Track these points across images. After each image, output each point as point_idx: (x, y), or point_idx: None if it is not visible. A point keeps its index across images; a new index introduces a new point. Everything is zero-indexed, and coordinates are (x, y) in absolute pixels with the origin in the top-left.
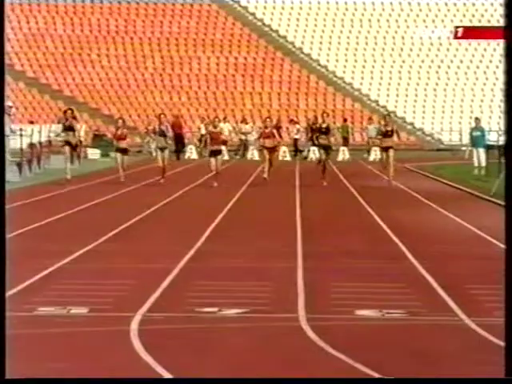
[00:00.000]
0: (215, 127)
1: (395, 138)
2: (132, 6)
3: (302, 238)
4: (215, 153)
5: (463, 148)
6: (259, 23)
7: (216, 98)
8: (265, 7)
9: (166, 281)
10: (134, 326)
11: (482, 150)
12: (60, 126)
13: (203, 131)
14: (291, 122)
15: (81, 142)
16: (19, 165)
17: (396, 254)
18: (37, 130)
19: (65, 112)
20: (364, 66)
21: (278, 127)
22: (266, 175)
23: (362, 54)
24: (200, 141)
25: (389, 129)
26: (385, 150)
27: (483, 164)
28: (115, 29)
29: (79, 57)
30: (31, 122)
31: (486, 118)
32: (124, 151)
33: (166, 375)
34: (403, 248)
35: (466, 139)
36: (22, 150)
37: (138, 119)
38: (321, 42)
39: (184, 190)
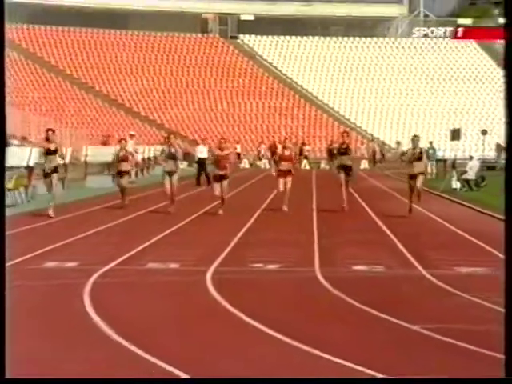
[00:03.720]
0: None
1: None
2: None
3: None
4: None
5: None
6: (288, 80)
7: (261, 129)
8: (293, 67)
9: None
10: (209, 275)
11: (433, 163)
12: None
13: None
14: (303, 144)
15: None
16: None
17: (375, 228)
18: (147, 149)
19: (166, 138)
20: (359, 105)
21: (301, 150)
22: (285, 208)
23: (360, 95)
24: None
25: (417, 151)
26: (412, 178)
27: (434, 171)
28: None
29: (177, 99)
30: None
31: (437, 140)
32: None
33: (229, 308)
34: (379, 222)
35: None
36: (137, 163)
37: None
38: (330, 92)
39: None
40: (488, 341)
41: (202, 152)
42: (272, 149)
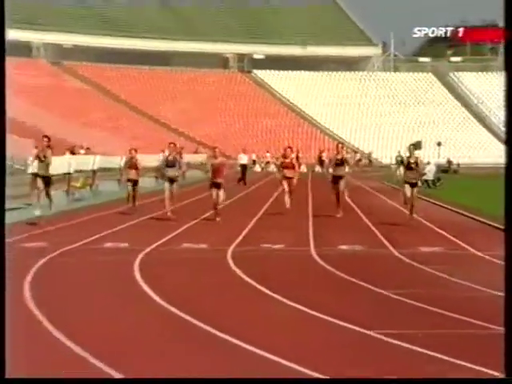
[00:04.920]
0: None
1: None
2: None
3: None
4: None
5: (392, 166)
6: (290, 104)
7: (269, 141)
8: (294, 94)
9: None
10: (229, 254)
11: (401, 168)
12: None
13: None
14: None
15: None
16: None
17: (357, 217)
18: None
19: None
20: (344, 123)
21: (297, 157)
22: (288, 205)
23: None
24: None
25: (412, 161)
26: (411, 185)
27: (402, 174)
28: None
29: (205, 118)
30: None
31: (404, 150)
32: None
33: (244, 277)
34: (359, 212)
35: (393, 161)
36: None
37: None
38: (322, 113)
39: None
40: (443, 301)
41: (242, 159)
42: (279, 159)
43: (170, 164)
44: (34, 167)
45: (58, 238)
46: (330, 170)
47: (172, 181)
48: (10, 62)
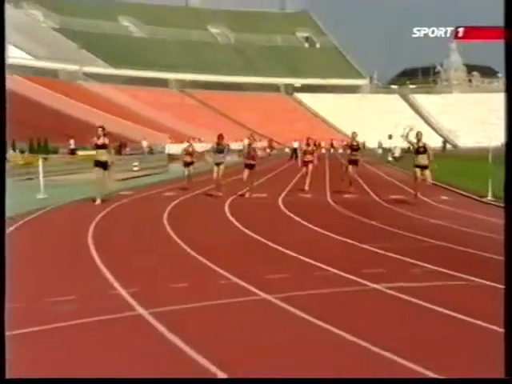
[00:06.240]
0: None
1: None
2: None
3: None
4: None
5: (375, 149)
6: (315, 113)
7: (300, 135)
8: (317, 107)
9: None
10: (280, 200)
11: (380, 150)
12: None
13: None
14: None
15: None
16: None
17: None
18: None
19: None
20: (343, 123)
21: (319, 144)
22: (307, 187)
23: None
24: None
25: (421, 145)
26: (421, 168)
27: (380, 152)
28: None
29: (264, 124)
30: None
31: (383, 139)
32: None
33: (287, 211)
34: (360, 180)
35: (376, 146)
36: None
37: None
38: (334, 118)
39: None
40: (404, 227)
41: (294, 145)
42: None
43: (218, 151)
44: (168, 149)
45: (181, 191)
46: (348, 153)
47: (219, 164)
48: (157, 91)
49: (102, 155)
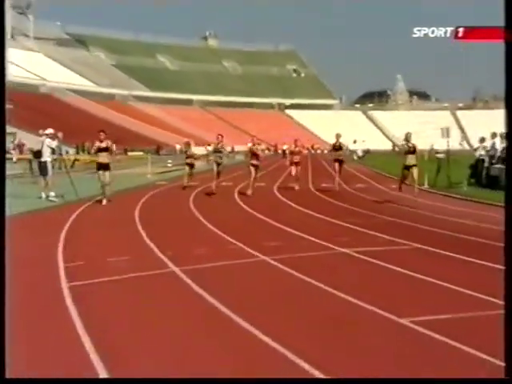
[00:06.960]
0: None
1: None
2: None
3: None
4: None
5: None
6: (304, 126)
7: (288, 141)
8: (306, 121)
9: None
10: (275, 188)
11: (348, 151)
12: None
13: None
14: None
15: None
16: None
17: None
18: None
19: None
20: (328, 133)
21: (302, 146)
22: (297, 187)
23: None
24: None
25: (410, 145)
26: (407, 168)
27: (360, 155)
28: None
29: (264, 132)
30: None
31: (350, 143)
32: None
33: (280, 197)
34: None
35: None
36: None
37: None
38: (319, 129)
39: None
40: (365, 206)
41: (284, 147)
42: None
43: (217, 151)
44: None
45: (205, 181)
46: (332, 153)
47: (217, 163)
48: (185, 109)
49: (105, 157)
